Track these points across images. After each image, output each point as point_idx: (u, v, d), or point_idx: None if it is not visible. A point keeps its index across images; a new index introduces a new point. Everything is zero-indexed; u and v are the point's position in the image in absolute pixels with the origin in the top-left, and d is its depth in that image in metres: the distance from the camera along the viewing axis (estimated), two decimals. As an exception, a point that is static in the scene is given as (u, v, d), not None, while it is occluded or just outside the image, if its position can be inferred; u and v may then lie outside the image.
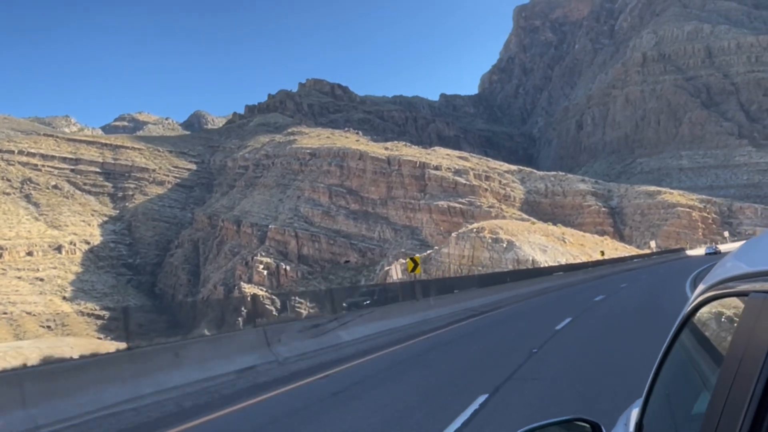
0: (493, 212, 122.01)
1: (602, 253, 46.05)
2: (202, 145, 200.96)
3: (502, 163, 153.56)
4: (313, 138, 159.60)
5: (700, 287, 1.48)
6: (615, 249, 61.61)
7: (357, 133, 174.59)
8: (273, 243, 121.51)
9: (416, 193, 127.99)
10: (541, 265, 45.41)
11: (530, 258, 47.48)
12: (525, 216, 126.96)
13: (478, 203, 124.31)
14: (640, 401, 2.02)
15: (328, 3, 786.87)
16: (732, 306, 1.18)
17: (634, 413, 2.10)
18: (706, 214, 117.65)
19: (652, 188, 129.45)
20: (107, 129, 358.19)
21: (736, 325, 1.11)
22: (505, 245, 50.80)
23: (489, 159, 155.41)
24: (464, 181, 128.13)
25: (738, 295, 1.14)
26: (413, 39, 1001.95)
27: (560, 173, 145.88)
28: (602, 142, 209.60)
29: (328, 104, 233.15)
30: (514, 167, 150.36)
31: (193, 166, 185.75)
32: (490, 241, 52.24)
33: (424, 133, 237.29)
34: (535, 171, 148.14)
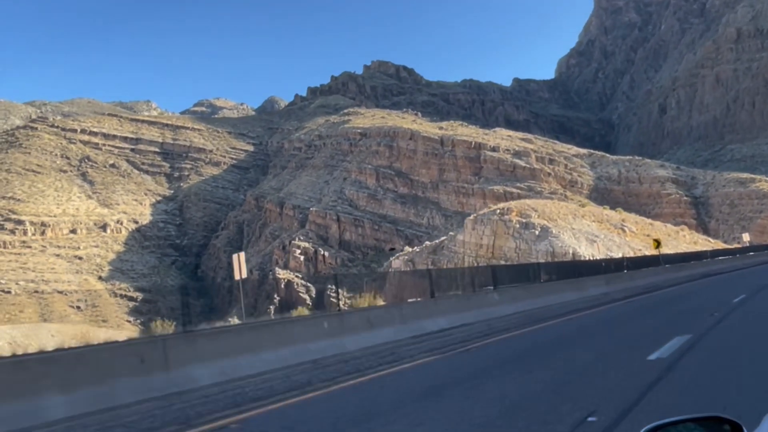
0: (555, 199, 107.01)
1: (657, 243, 31.81)
2: (262, 126, 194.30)
3: (570, 146, 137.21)
4: (368, 118, 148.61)
5: None
6: (694, 243, 47.18)
7: (416, 114, 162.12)
8: (313, 227, 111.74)
9: (470, 177, 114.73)
10: (585, 259, 32.59)
11: (570, 250, 34.59)
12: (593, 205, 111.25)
13: (539, 188, 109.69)
14: None
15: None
16: None
17: None
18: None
19: (745, 175, 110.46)
20: (186, 114, 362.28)
21: None
22: (537, 232, 37.97)
23: (556, 142, 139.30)
24: (524, 164, 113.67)
25: None
26: (486, 22, 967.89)
27: (636, 158, 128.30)
28: (688, 127, 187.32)
29: (392, 86, 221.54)
30: (584, 151, 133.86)
31: (251, 148, 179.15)
32: (517, 226, 39.39)
33: (491, 116, 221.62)
34: (607, 155, 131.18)
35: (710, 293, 21.91)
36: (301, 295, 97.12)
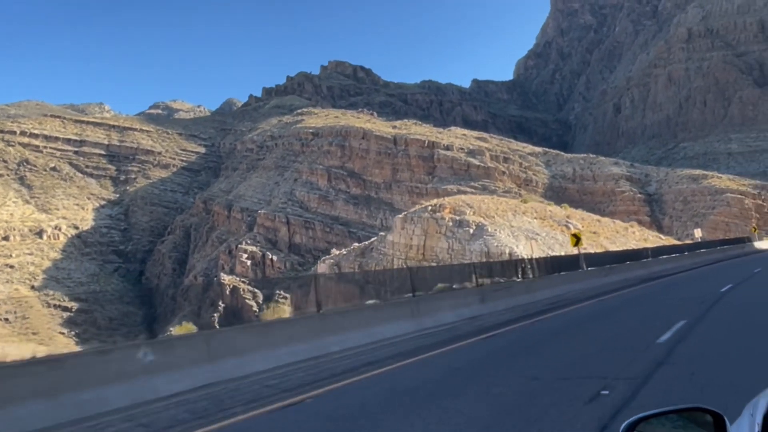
0: (497, 196, 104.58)
1: (576, 239, 26.48)
2: (215, 128, 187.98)
3: (526, 144, 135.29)
4: (321, 118, 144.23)
5: None
6: (644, 240, 44.14)
7: (372, 114, 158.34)
8: (262, 230, 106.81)
9: (424, 176, 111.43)
10: (523, 257, 29.08)
11: (507, 249, 31.10)
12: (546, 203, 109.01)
13: (494, 187, 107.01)
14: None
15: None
16: None
17: (763, 403, 1.93)
18: (761, 202, 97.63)
19: (698, 172, 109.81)
20: (141, 117, 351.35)
21: None
22: (472, 231, 34.28)
23: (511, 140, 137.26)
24: (478, 163, 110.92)
25: None
26: (444, 24, 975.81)
27: (591, 156, 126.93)
28: (642, 126, 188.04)
29: (349, 87, 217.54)
30: (538, 149, 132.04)
31: (202, 150, 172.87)
32: (450, 224, 35.68)
33: (449, 117, 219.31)
34: (562, 153, 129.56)
35: (631, 318, 15.01)
36: (248, 301, 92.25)
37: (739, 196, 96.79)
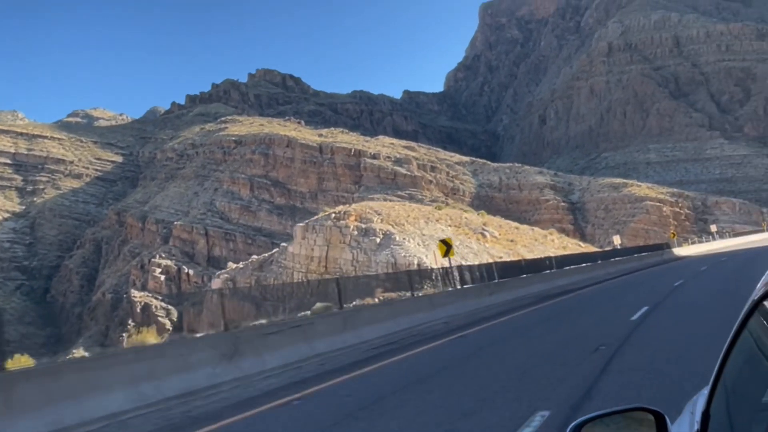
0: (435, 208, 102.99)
1: (446, 247, 22.35)
2: (134, 136, 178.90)
3: (453, 154, 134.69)
4: (246, 126, 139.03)
5: None
6: (563, 247, 42.31)
7: (299, 123, 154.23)
8: (178, 242, 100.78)
9: (350, 185, 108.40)
10: (432, 268, 26.24)
11: (415, 260, 28.38)
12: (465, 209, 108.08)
13: (420, 196, 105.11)
14: (707, 389, 1.92)
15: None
16: None
17: (701, 401, 1.97)
18: (678, 209, 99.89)
19: (618, 180, 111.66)
20: (60, 125, 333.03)
21: None
22: (379, 240, 31.40)
23: (439, 150, 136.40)
24: (405, 172, 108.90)
25: None
26: (377, 36, 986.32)
27: (516, 165, 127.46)
28: (566, 137, 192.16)
29: (278, 95, 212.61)
30: (466, 158, 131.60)
31: (120, 159, 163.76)
32: (355, 233, 32.65)
33: (379, 127, 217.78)
34: (489, 163, 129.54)
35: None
36: (160, 318, 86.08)
37: (658, 203, 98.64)
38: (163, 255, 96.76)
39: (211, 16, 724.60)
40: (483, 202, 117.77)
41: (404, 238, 31.29)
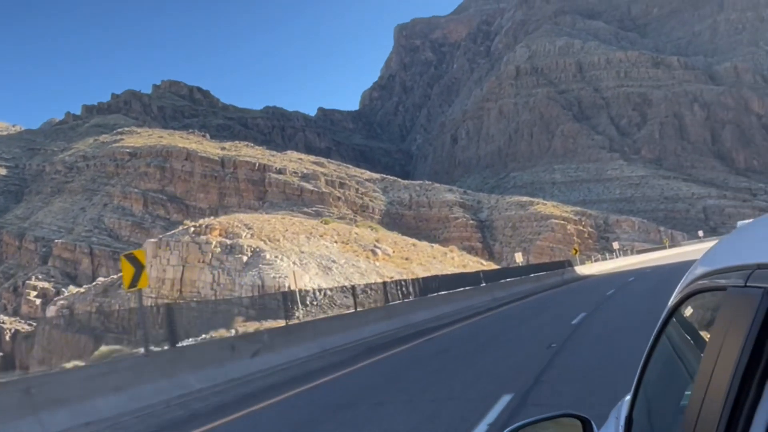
0: (300, 216, 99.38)
1: (133, 268, 18.34)
2: (21, 147, 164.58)
3: (364, 170, 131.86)
4: (143, 137, 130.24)
5: (684, 280, 1.44)
6: (463, 266, 39.36)
7: (203, 136, 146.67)
8: (58, 262, 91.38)
9: (253, 201, 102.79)
10: (307, 290, 22.18)
11: (286, 282, 24.27)
12: (383, 230, 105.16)
13: (328, 213, 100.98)
14: (630, 395, 1.96)
15: (199, 8, 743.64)
16: (713, 300, 1.16)
17: (625, 407, 2.03)
18: (582, 227, 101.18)
19: (525, 198, 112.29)
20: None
21: (715, 318, 1.10)
22: (246, 258, 27.09)
23: (350, 166, 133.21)
24: (312, 188, 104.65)
25: (718, 289, 1.12)
26: (292, 54, 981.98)
27: (426, 182, 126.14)
28: (476, 157, 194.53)
29: (184, 108, 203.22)
30: (377, 175, 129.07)
31: (3, 171, 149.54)
32: (218, 250, 28.14)
33: (291, 143, 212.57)
34: (399, 180, 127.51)
35: None
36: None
37: (562, 221, 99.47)
38: (41, 276, 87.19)
39: (114, 26, 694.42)
40: (393, 220, 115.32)
41: (276, 257, 26.95)
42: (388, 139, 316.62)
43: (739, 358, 0.90)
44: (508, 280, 33.05)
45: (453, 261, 37.04)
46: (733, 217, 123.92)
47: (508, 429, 1.96)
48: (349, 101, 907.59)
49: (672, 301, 1.55)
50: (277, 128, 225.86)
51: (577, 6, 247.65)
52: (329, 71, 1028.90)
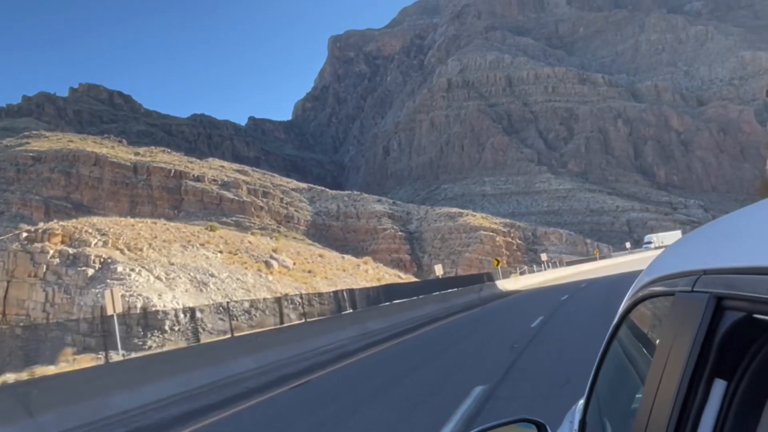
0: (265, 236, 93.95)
1: None
2: None
3: (290, 180, 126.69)
4: (52, 141, 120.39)
5: (634, 287, 1.46)
6: (378, 279, 35.16)
7: (120, 141, 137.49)
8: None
9: (168, 210, 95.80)
10: (167, 312, 17.40)
11: (140, 301, 19.57)
12: (308, 242, 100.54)
13: (248, 223, 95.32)
14: (583, 399, 1.99)
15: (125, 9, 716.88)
16: (662, 305, 1.19)
17: (579, 410, 2.07)
18: (510, 239, 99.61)
19: (454, 210, 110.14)
20: None
21: (664, 322, 1.13)
22: (92, 272, 22.18)
23: (275, 175, 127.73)
24: (232, 196, 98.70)
25: (666, 294, 1.15)
26: (224, 62, 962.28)
27: (355, 192, 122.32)
28: (408, 168, 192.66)
29: (102, 113, 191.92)
30: (304, 185, 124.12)
31: None
32: (56, 261, 22.98)
33: (217, 151, 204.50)
34: (327, 190, 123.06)
35: None
36: None
37: (491, 233, 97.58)
38: None
39: (32, 24, 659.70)
40: (319, 231, 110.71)
41: (133, 269, 21.96)
42: (320, 151, 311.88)
43: (687, 361, 0.92)
44: (396, 302, 25.35)
45: (366, 274, 32.58)
46: (655, 230, 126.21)
47: None
48: (282, 111, 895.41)
49: (623, 306, 1.57)
50: (203, 136, 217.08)
51: (507, 23, 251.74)
52: (262, 81, 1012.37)
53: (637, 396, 1.31)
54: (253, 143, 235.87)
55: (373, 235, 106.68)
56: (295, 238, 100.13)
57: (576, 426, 2.03)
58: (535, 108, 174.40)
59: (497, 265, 49.57)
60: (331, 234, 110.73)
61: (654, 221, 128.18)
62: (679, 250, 1.29)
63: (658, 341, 1.12)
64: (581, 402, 2.05)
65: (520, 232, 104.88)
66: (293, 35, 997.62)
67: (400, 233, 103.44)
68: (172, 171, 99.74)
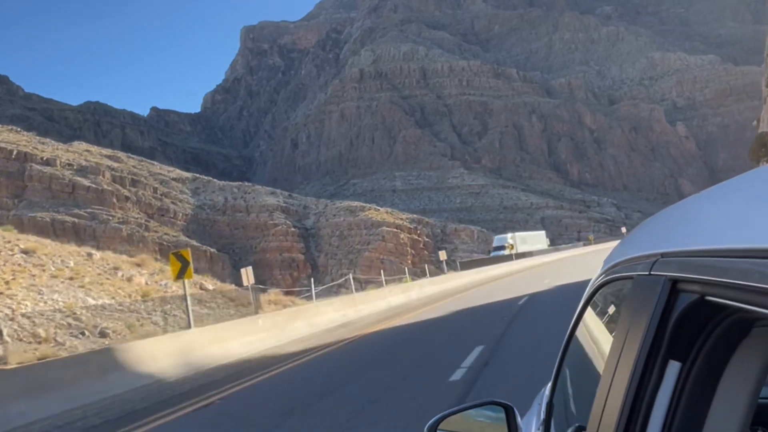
0: (125, 231, 77.41)
1: None
2: None
3: (172, 168, 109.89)
4: None
5: (600, 269, 1.46)
6: (143, 294, 21.91)
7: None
8: None
9: (6, 199, 77.58)
10: None
11: None
12: (183, 238, 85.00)
13: (107, 216, 78.61)
14: (551, 380, 2.04)
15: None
16: (624, 288, 1.20)
17: (546, 393, 2.11)
18: (417, 237, 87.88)
19: (356, 204, 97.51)
20: None
21: (623, 305, 1.15)
22: None
23: (155, 163, 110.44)
24: (89, 184, 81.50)
25: (627, 278, 1.17)
26: (128, 51, 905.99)
27: (246, 184, 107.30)
28: (317, 162, 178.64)
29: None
30: (187, 174, 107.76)
31: None
32: None
33: (105, 140, 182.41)
34: (215, 180, 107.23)
35: None
36: None
37: (395, 230, 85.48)
38: None
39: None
40: (202, 227, 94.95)
41: None
42: (229, 145, 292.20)
43: (642, 343, 0.93)
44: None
45: (129, 285, 18.58)
46: (569, 228, 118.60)
47: (433, 419, 1.96)
48: (192, 104, 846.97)
49: (588, 290, 1.57)
50: (90, 123, 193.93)
51: (423, 17, 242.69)
52: (171, 71, 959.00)
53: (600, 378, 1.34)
54: (149, 133, 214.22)
55: (264, 231, 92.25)
56: (165, 235, 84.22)
57: (543, 407, 2.04)
58: (449, 101, 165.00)
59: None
60: (215, 230, 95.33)
61: (569, 219, 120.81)
62: (641, 234, 1.29)
63: (618, 324, 1.14)
64: (549, 385, 2.06)
65: (428, 228, 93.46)
66: (204, 24, 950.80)
67: (293, 229, 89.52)
68: (14, 152, 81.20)
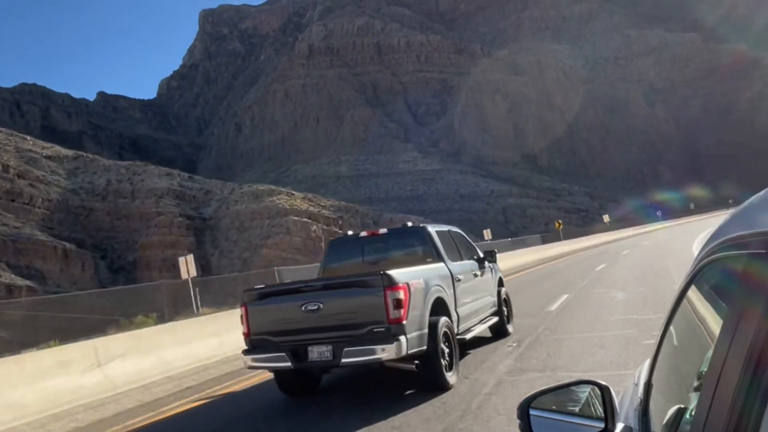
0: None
1: None
2: None
3: (51, 144, 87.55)
4: None
5: (707, 246, 1.38)
6: None
7: None
8: None
9: None
10: None
11: None
12: (29, 232, 63.47)
13: None
14: (649, 360, 1.94)
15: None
16: (736, 266, 1.11)
17: (645, 372, 2.00)
18: (338, 230, 67.18)
19: (263, 187, 76.56)
20: None
21: (736, 283, 1.06)
22: None
23: (28, 138, 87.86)
24: None
25: (740, 255, 1.08)
26: (77, 33, 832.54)
27: (138, 163, 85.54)
28: (260, 147, 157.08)
29: None
30: (69, 152, 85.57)
31: None
32: None
33: (21, 121, 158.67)
34: (100, 158, 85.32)
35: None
36: None
37: (306, 220, 64.64)
38: None
39: None
40: (73, 216, 73.09)
41: None
42: (183, 132, 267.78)
43: (760, 322, 0.86)
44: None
45: None
46: (536, 219, 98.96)
47: (524, 398, 1.89)
48: (147, 89, 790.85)
49: (693, 266, 1.47)
50: (9, 103, 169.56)
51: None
52: (126, 56, 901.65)
53: (705, 358, 1.24)
54: (78, 117, 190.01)
55: (148, 221, 70.76)
56: (5, 225, 62.36)
57: (641, 388, 1.93)
58: (405, 78, 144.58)
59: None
60: (92, 221, 73.61)
61: (535, 209, 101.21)
62: (755, 209, 1.18)
63: (731, 303, 1.06)
64: (647, 362, 1.95)
65: (357, 219, 72.84)
66: (163, 7, 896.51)
67: (179, 219, 68.10)
68: None
